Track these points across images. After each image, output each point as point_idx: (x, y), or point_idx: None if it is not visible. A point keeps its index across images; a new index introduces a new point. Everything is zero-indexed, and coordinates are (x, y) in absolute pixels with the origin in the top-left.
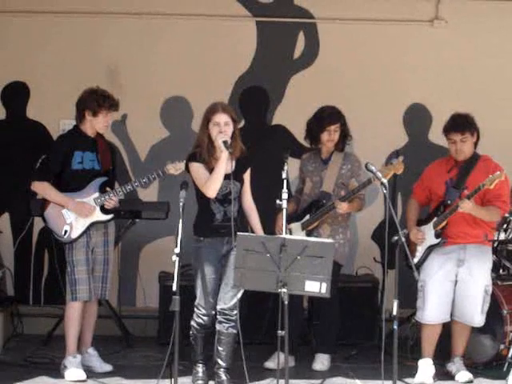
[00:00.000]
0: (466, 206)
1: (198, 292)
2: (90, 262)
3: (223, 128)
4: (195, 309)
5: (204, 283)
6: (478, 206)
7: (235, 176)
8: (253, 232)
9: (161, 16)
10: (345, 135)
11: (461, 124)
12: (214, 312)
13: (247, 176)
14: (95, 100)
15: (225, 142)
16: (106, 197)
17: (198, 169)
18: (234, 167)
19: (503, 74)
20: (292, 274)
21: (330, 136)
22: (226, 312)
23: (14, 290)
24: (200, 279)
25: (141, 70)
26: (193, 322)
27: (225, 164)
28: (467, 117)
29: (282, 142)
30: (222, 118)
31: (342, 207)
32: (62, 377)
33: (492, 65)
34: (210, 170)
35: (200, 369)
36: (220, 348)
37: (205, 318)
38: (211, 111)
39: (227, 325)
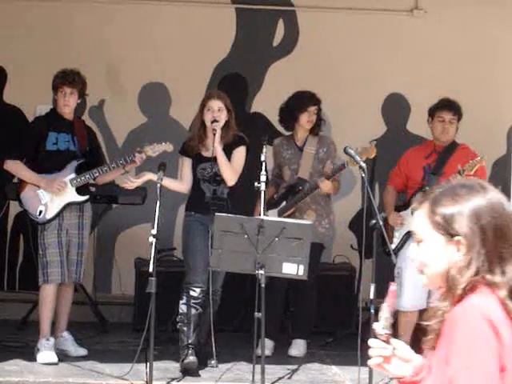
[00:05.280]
0: None
1: (189, 266)
2: (64, 245)
3: (216, 113)
4: (185, 285)
5: (194, 256)
6: None
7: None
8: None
9: (139, 2)
10: (319, 120)
11: (454, 105)
12: (205, 288)
13: (234, 156)
14: (55, 77)
15: (213, 130)
16: (82, 178)
17: (181, 165)
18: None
19: (482, 64)
20: (270, 256)
21: (310, 117)
22: (213, 293)
23: None
24: (190, 253)
25: (118, 55)
26: (182, 301)
27: (221, 152)
28: (457, 103)
29: (261, 129)
30: (215, 104)
31: (327, 185)
32: (35, 359)
33: (471, 55)
34: (196, 154)
35: (191, 356)
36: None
37: (197, 289)
38: (207, 97)
39: (211, 304)
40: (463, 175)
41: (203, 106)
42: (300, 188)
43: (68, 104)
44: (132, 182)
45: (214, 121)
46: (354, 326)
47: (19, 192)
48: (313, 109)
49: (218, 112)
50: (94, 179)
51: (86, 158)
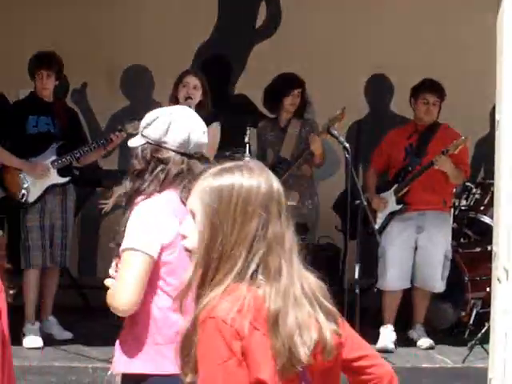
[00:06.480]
0: (444, 162)
1: None
2: (46, 229)
3: (191, 90)
4: None
5: None
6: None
7: None
8: None
9: None
10: (304, 102)
11: (438, 87)
12: None
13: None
14: (30, 60)
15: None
16: (63, 159)
17: None
18: None
19: (465, 44)
20: None
21: (294, 100)
22: None
23: None
24: None
25: (101, 38)
26: None
27: None
28: (441, 84)
29: (245, 111)
30: (192, 80)
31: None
32: (21, 344)
33: (454, 35)
34: None
35: None
36: None
37: None
38: (183, 73)
39: None
40: (447, 155)
41: (179, 81)
42: (280, 166)
43: (46, 87)
44: (107, 204)
45: (188, 98)
46: (338, 307)
47: (1, 177)
48: (296, 92)
49: (194, 89)
50: (77, 160)
51: (67, 139)
